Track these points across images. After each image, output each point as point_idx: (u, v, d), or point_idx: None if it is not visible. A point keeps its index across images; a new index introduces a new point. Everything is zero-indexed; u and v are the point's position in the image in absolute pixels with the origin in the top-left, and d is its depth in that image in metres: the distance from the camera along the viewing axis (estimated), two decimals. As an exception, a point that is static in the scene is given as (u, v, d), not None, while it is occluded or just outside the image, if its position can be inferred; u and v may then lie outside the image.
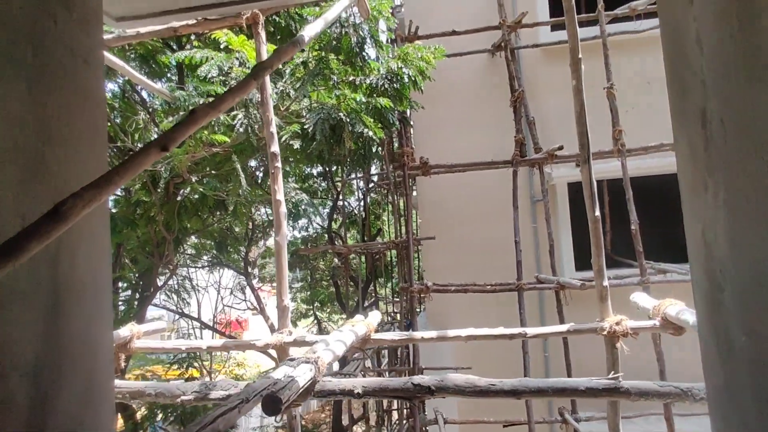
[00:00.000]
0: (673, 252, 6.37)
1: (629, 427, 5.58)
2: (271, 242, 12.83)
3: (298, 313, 15.00)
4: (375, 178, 9.76)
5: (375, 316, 2.58)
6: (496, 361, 5.40)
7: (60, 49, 1.32)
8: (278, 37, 4.67)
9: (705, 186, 0.94)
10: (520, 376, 5.15)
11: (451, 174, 5.82)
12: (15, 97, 1.13)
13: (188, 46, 5.24)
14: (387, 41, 4.74)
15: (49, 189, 1.19)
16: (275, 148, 2.69)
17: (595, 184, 2.26)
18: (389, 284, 11.28)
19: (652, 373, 4.66)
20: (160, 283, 7.62)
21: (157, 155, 1.01)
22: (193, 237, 8.33)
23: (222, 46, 3.59)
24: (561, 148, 5.28)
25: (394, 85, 4.09)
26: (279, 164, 2.68)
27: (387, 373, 8.22)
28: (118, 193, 5.68)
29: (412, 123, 6.04)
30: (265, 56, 2.70)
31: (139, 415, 7.51)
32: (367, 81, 4.10)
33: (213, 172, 5.02)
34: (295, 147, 4.45)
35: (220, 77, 3.57)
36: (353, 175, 9.50)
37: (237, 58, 3.57)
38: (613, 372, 1.94)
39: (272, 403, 1.26)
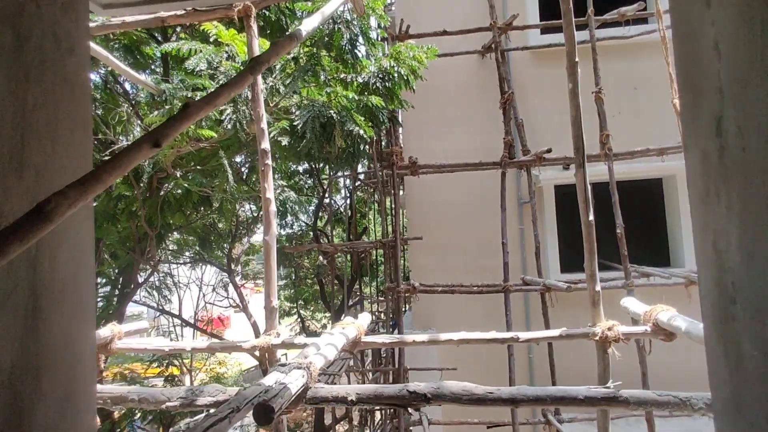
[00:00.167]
0: (655, 256, 6.47)
1: (611, 429, 5.64)
2: (254, 239, 12.69)
3: (281, 312, 14.88)
4: (362, 177, 9.70)
5: (365, 318, 2.54)
6: (481, 362, 5.41)
7: (43, 34, 1.24)
8: (268, 32, 4.58)
9: (718, 194, 0.92)
10: (506, 378, 5.19)
11: (439, 174, 5.80)
12: (-7, 85, 1.06)
13: (174, 38, 5.11)
14: (378, 38, 4.69)
15: (30, 185, 1.12)
16: (266, 144, 2.62)
17: (589, 188, 2.25)
18: (374, 283, 11.24)
19: (634, 377, 4.71)
20: (140, 280, 7.46)
21: (148, 151, 0.96)
22: (175, 233, 8.17)
23: (211, 39, 3.50)
24: (549, 150, 5.31)
25: (386, 83, 4.04)
26: (269, 161, 2.61)
27: (371, 374, 8.17)
28: (99, 187, 5.50)
29: (401, 122, 6.00)
30: (257, 50, 2.63)
31: (116, 414, 7.34)
32: (359, 79, 4.05)
33: (198, 167, 4.91)
34: (283, 144, 4.37)
35: (209, 71, 3.48)
36: (340, 174, 9.43)
37: (226, 52, 3.48)
38: (611, 382, 1.93)
39: (264, 412, 1.21)
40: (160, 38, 5.27)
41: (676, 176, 6.21)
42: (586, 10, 5.57)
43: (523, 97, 6.40)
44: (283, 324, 15.02)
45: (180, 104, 3.58)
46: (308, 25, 1.92)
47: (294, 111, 4.13)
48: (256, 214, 10.77)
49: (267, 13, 4.53)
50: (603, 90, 5.37)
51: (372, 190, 10.42)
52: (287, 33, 4.49)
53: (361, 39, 4.21)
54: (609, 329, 2.16)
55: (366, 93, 4.03)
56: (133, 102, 5.32)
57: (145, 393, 1.92)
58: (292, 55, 3.91)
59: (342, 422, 10.67)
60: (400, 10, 6.71)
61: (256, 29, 2.60)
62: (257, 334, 10.35)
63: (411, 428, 5.90)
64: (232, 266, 11.22)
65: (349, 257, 10.53)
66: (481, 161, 5.53)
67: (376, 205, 11.55)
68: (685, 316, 2.07)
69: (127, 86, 6.02)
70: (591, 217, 2.23)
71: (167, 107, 3.61)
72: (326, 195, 10.30)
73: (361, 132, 3.84)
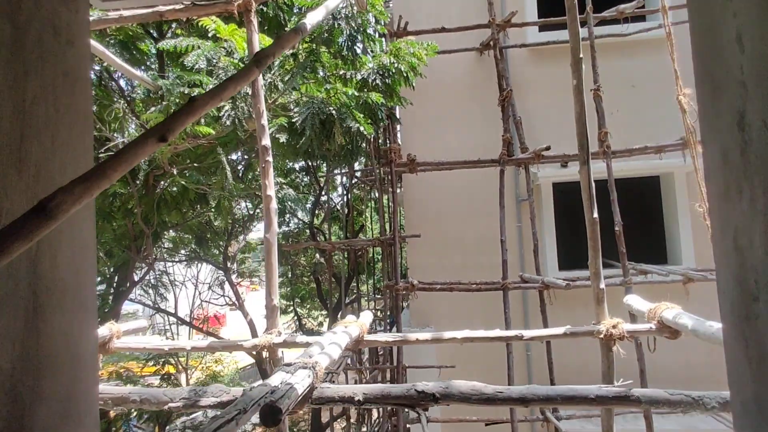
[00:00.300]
0: (652, 253, 6.49)
1: (607, 424, 5.66)
2: (251, 237, 12.62)
3: (277, 309, 14.82)
4: (358, 174, 9.67)
5: (367, 316, 2.52)
6: (479, 359, 5.41)
7: (42, 26, 1.21)
8: (266, 27, 4.53)
9: (740, 190, 0.90)
10: (504, 375, 5.18)
11: (437, 172, 5.78)
12: (-9, 78, 1.02)
13: (169, 34, 5.05)
14: (377, 34, 4.65)
15: (29, 181, 1.08)
16: (266, 141, 2.58)
17: (593, 185, 2.23)
18: (371, 281, 11.22)
19: (633, 374, 4.72)
20: (136, 278, 7.40)
21: (154, 146, 0.92)
22: (171, 231, 8.11)
23: (210, 35, 3.44)
24: (548, 148, 5.29)
25: (386, 80, 4.01)
26: (270, 158, 2.57)
27: (368, 372, 8.16)
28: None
29: (399, 119, 5.97)
30: (257, 45, 2.59)
31: (112, 414, 7.28)
32: (359, 75, 4.01)
33: (195, 164, 4.86)
34: (280, 141, 4.33)
35: (208, 67, 3.43)
36: (336, 171, 9.39)
37: (225, 48, 3.43)
38: (621, 381, 1.92)
39: (271, 414, 1.18)
40: (155, 35, 5.21)
41: (674, 174, 6.22)
42: (585, 8, 5.56)
43: (521, 95, 6.39)
44: (280, 322, 14.96)
45: (178, 101, 3.53)
46: (312, 19, 1.89)
47: (292, 108, 4.08)
48: (252, 212, 10.72)
49: (264, 9, 4.48)
50: (601, 87, 5.36)
51: (369, 187, 10.39)
52: (285, 29, 4.45)
53: (359, 36, 4.17)
54: (614, 327, 2.14)
55: (365, 90, 4.00)
56: (128, 99, 5.26)
57: (147, 393, 1.88)
58: (291, 52, 3.87)
59: (339, 420, 10.65)
60: (397, 7, 6.67)
61: (256, 23, 2.56)
62: (254, 332, 10.31)
63: (409, 426, 5.90)
64: (228, 264, 11.17)
65: (346, 255, 10.50)
66: (479, 159, 5.51)
67: (372, 202, 11.52)
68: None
69: (122, 83, 5.95)
70: (596, 215, 2.21)
71: (164, 103, 3.56)
72: (323, 193, 10.25)
73: (361, 129, 3.80)
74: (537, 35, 6.57)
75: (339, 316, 10.38)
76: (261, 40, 3.08)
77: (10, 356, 1.00)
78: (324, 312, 13.98)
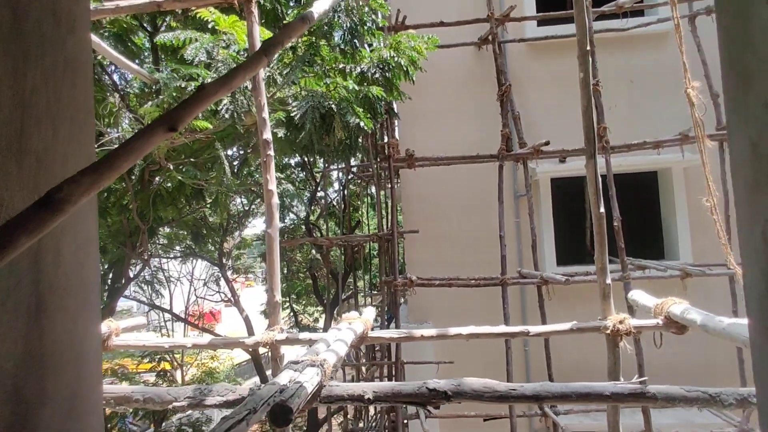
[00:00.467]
0: (649, 248, 6.50)
1: (602, 419, 5.68)
2: (246, 233, 12.55)
3: (273, 306, 14.79)
4: (354, 169, 9.61)
5: (370, 312, 2.49)
6: (477, 355, 5.40)
7: (41, 13, 1.16)
8: (263, 21, 4.47)
9: (770, 183, 0.87)
10: (503, 371, 5.17)
11: (435, 167, 5.75)
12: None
13: (163, 27, 4.97)
14: (376, 27, 4.59)
15: (30, 173, 1.04)
16: (268, 135, 2.54)
17: (599, 179, 2.21)
18: (367, 277, 11.20)
19: (631, 371, 4.73)
20: (131, 275, 7.33)
21: (163, 136, 0.88)
22: (166, 227, 8.04)
23: (209, 27, 3.38)
24: (547, 143, 5.28)
25: (386, 74, 3.96)
26: (272, 152, 2.53)
27: (365, 368, 8.14)
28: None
29: (397, 114, 5.93)
30: (258, 37, 2.54)
31: (107, 411, 7.23)
32: (358, 69, 3.96)
33: (191, 159, 4.80)
34: (278, 135, 4.28)
35: (207, 60, 3.37)
36: (333, 166, 9.33)
37: (224, 40, 3.37)
38: (637, 377, 1.90)
39: (282, 413, 1.15)
40: (149, 28, 5.12)
41: (672, 169, 6.23)
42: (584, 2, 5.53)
43: (519, 90, 6.37)
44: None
45: (175, 94, 3.47)
46: (319, 8, 1.84)
47: (291, 102, 4.03)
48: (247, 208, 10.64)
49: (262, 1, 4.41)
50: (600, 82, 5.35)
51: (365, 183, 10.34)
52: (283, 22, 4.38)
53: (359, 29, 4.11)
54: (620, 322, 2.13)
55: (365, 84, 3.95)
56: (122, 93, 5.18)
57: (151, 393, 1.84)
58: (289, 45, 3.81)
59: (336, 415, 10.64)
60: (396, 0, 6.61)
61: (257, 15, 2.51)
62: (249, 329, 10.27)
63: (407, 421, 5.89)
64: (224, 260, 11.10)
65: (342, 251, 10.46)
66: (478, 154, 5.49)
67: (369, 198, 11.48)
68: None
69: (116, 77, 5.86)
70: (602, 209, 2.19)
71: (161, 97, 3.49)
72: (319, 188, 10.19)
73: (361, 124, 3.76)
74: (536, 30, 6.55)
75: (336, 312, 10.35)
76: (261, 33, 3.03)
77: (12, 355, 0.96)
78: (320, 308, 13.95)
